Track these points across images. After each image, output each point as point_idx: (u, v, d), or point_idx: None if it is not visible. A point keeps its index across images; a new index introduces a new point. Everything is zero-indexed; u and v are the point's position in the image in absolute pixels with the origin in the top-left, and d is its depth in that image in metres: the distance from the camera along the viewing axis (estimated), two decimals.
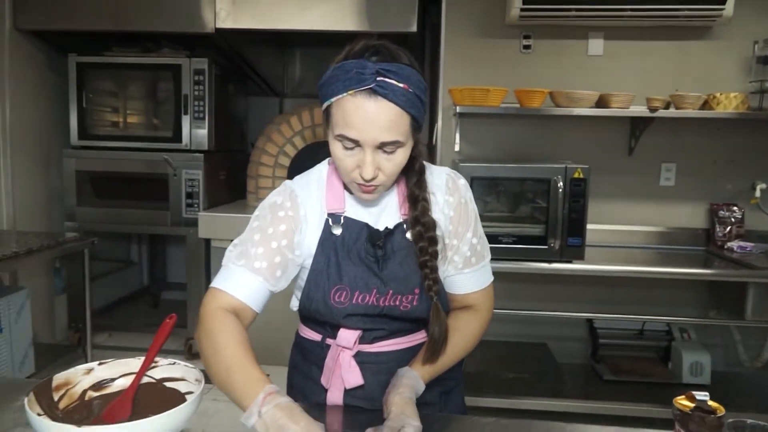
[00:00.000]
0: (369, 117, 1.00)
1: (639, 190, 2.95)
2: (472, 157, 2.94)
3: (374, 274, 1.12)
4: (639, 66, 2.87)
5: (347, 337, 1.14)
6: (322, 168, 1.21)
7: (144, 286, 4.02)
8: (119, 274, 3.82)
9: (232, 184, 3.50)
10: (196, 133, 3.13)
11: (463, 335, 1.18)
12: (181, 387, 1.07)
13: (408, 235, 1.14)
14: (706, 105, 2.63)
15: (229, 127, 3.53)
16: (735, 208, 2.83)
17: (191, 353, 3.09)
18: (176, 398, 1.04)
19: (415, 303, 1.13)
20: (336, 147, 1.06)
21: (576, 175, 2.44)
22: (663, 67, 2.86)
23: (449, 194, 1.19)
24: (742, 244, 2.72)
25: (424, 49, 3.44)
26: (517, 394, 2.61)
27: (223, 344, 1.00)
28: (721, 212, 2.83)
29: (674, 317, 2.80)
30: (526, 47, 2.90)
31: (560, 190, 2.43)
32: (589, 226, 2.53)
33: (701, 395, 0.91)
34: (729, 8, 2.57)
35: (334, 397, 1.16)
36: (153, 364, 1.08)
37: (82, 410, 1.03)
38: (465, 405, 1.33)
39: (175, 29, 2.93)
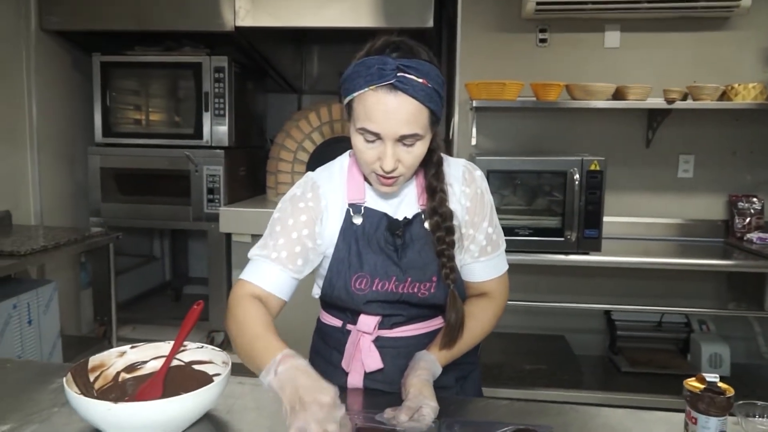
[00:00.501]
0: (390, 111, 1.03)
1: (657, 182, 2.94)
2: (489, 151, 2.96)
3: (393, 263, 1.16)
4: (656, 58, 2.86)
5: (367, 322, 1.18)
6: (344, 160, 1.25)
7: (166, 280, 4.10)
8: (142, 269, 3.90)
9: (252, 180, 3.55)
10: (216, 129, 3.19)
11: (478, 321, 1.21)
12: (208, 369, 1.12)
13: (426, 224, 1.18)
14: (724, 96, 2.61)
15: (249, 123, 3.58)
16: (754, 199, 2.81)
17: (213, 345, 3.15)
18: (204, 379, 1.09)
19: (432, 290, 1.17)
20: (357, 140, 1.09)
21: (593, 168, 2.45)
22: (680, 59, 2.85)
23: (466, 185, 1.22)
24: (761, 235, 2.70)
25: (440, 44, 3.45)
26: (535, 385, 2.63)
27: (246, 322, 1.07)
28: (741, 203, 2.81)
29: (693, 309, 2.80)
30: (542, 41, 2.90)
31: (577, 182, 2.44)
32: (607, 219, 2.54)
33: (711, 377, 0.93)
34: None
35: (355, 380, 1.20)
36: (182, 348, 1.14)
37: (116, 390, 1.09)
38: (482, 390, 1.37)
39: (196, 28, 2.99)
